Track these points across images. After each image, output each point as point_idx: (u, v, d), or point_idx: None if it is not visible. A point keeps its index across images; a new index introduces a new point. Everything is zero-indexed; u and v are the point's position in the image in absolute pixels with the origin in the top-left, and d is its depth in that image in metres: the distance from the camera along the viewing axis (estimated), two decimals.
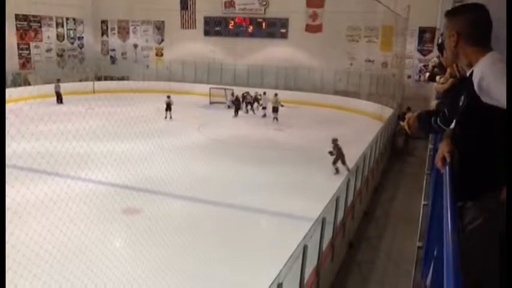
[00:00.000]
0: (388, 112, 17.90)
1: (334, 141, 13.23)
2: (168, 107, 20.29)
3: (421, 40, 23.22)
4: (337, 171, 12.82)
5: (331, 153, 13.05)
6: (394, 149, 16.01)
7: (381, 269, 7.60)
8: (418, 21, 21.83)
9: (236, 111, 21.73)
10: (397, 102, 19.63)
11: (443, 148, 2.22)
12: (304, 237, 5.50)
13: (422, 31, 23.00)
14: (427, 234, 3.84)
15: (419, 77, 22.46)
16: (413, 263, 4.64)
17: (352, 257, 7.99)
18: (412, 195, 10.25)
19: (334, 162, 12.94)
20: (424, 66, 22.35)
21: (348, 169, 12.15)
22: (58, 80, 24.98)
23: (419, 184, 8.77)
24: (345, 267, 7.52)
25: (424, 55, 23.03)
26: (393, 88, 21.35)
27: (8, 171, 10.68)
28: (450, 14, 2.25)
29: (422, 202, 4.97)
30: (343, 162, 12.82)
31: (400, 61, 21.93)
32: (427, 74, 9.61)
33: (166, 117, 20.26)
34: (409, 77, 23.37)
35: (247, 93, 23.54)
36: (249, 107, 22.83)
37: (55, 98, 24.04)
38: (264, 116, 21.29)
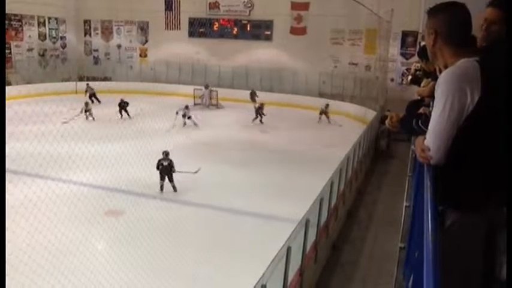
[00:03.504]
0: (371, 114, 18.06)
1: (166, 153, 11.58)
2: (88, 111, 19.54)
3: (403, 44, 23.48)
4: (161, 188, 11.38)
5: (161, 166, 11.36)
6: (377, 151, 16.16)
7: (364, 270, 7.65)
8: (401, 25, 22.08)
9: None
10: (380, 104, 19.82)
11: (420, 142, 2.21)
12: (288, 238, 5.51)
13: (405, 35, 23.26)
14: (409, 236, 3.88)
15: (402, 80, 22.71)
16: (395, 263, 4.67)
17: (336, 257, 8.03)
18: (395, 197, 10.35)
19: (163, 178, 11.37)
20: (407, 69, 22.60)
21: (174, 188, 11.13)
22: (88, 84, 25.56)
23: (401, 186, 8.86)
24: (329, 268, 7.55)
25: (407, 59, 23.29)
26: (376, 91, 21.55)
27: None
28: (430, 12, 2.23)
29: (405, 204, 5.02)
30: (170, 179, 11.30)
31: (383, 64, 22.14)
32: (410, 77, 9.74)
33: (87, 118, 19.37)
34: (392, 80, 23.60)
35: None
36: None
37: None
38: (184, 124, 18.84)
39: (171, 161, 11.32)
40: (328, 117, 20.95)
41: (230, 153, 14.92)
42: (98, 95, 24.48)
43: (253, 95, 23.76)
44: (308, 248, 6.50)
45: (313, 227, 6.71)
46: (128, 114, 19.86)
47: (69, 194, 10.86)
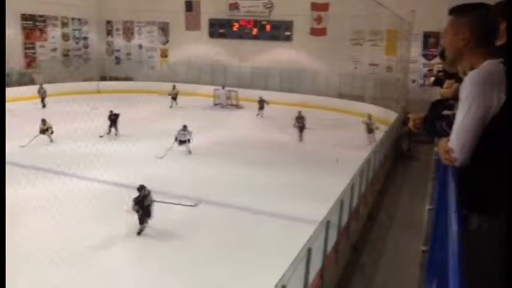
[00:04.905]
0: (392, 116, 17.89)
1: (139, 189, 8.86)
2: (48, 130, 15.83)
3: (425, 45, 23.21)
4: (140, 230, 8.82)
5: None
6: (399, 153, 15.99)
7: (384, 272, 7.60)
8: (422, 25, 21.82)
9: None
10: (402, 106, 19.62)
11: (444, 144, 2.20)
12: (309, 240, 5.52)
13: (426, 36, 22.99)
14: (432, 239, 3.84)
15: (424, 81, 22.43)
16: (417, 266, 4.64)
17: (356, 259, 8.00)
18: (416, 199, 10.24)
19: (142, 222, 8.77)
20: (429, 70, 22.35)
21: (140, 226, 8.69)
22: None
23: (423, 188, 8.76)
24: (349, 270, 7.53)
25: (429, 60, 23.01)
26: (398, 92, 21.34)
27: (14, 169, 10.89)
28: (460, 11, 2.19)
29: (427, 206, 4.98)
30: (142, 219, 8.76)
31: (405, 65, 21.90)
32: (432, 79, 9.65)
33: (51, 140, 15.79)
34: (413, 81, 23.35)
35: None
36: None
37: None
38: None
39: (149, 193, 8.86)
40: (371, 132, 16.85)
41: (248, 153, 14.95)
42: (113, 95, 23.85)
43: (261, 103, 22.15)
44: (329, 249, 6.49)
45: (334, 228, 6.71)
46: (116, 129, 16.93)
47: (94, 192, 10.99)
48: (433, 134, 3.83)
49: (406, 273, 6.77)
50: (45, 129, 15.55)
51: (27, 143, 14.49)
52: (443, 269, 2.15)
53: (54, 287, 6.86)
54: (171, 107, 22.88)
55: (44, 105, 21.77)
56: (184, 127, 14.82)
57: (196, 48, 28.60)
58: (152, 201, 8.70)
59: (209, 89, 25.59)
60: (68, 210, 9.53)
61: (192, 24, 28.62)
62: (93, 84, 27.13)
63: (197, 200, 9.29)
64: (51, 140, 15.46)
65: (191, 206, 9.02)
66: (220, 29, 28.14)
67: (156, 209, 8.83)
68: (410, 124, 3.28)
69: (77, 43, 29.40)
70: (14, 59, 25.00)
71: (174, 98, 23.44)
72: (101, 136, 15.78)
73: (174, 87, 24.04)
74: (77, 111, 20.41)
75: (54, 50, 27.72)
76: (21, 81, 24.08)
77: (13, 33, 24.98)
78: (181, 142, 14.69)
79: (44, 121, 15.68)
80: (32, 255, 7.38)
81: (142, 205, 8.53)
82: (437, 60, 20.38)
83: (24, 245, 7.98)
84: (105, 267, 7.49)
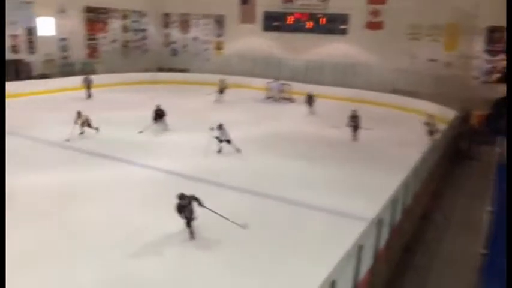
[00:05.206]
0: (451, 114, 17.20)
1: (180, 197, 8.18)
2: (85, 123, 14.85)
3: (490, 40, 22.06)
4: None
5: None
6: (457, 153, 15.34)
7: (439, 274, 7.37)
8: (486, 20, 20.76)
9: None
10: (462, 104, 18.81)
11: None
12: (360, 237, 5.43)
13: (490, 30, 21.84)
14: (492, 242, 3.68)
15: (487, 78, 21.33)
16: (472, 269, 4.48)
17: (410, 259, 7.79)
18: (475, 201, 9.84)
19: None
20: (493, 67, 21.23)
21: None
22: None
23: (482, 189, 8.39)
24: (401, 270, 7.35)
25: (493, 56, 21.86)
26: (457, 89, 20.46)
27: (68, 154, 11.42)
28: None
29: (488, 208, 4.76)
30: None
31: (466, 61, 20.94)
32: (498, 76, 9.18)
33: (82, 133, 14.79)
34: (476, 78, 22.30)
35: None
36: None
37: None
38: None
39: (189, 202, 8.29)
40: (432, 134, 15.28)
41: (298, 148, 14.90)
42: (169, 86, 24.41)
43: (310, 99, 21.11)
44: (380, 247, 6.36)
45: (386, 226, 6.56)
46: (164, 124, 16.17)
47: (151, 178, 11.38)
48: (496, 132, 3.68)
49: (462, 275, 6.54)
50: (83, 122, 14.64)
51: (68, 137, 14.16)
52: (504, 273, 2.07)
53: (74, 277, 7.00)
54: (216, 100, 22.52)
55: (89, 95, 22.13)
56: (220, 126, 13.69)
57: (251, 41, 28.75)
58: (198, 204, 8.30)
59: (262, 81, 25.65)
60: (120, 195, 9.95)
61: (246, 17, 28.78)
62: (150, 75, 27.98)
63: (246, 223, 8.42)
64: (82, 132, 14.69)
65: (240, 226, 8.36)
66: (274, 22, 28.11)
67: (204, 197, 8.72)
68: (474, 121, 3.17)
69: (136, 35, 30.35)
70: (78, 50, 26.25)
71: (221, 91, 22.96)
72: (140, 132, 15.34)
73: (222, 80, 23.76)
74: (135, 101, 21.22)
75: (114, 41, 28.75)
76: (84, 71, 25.20)
77: (77, 25, 26.21)
78: (222, 140, 13.73)
79: (79, 113, 14.67)
80: (86, 232, 7.76)
81: (182, 212, 8.21)
82: (502, 56, 19.41)
83: (80, 227, 8.41)
84: (151, 255, 7.65)
